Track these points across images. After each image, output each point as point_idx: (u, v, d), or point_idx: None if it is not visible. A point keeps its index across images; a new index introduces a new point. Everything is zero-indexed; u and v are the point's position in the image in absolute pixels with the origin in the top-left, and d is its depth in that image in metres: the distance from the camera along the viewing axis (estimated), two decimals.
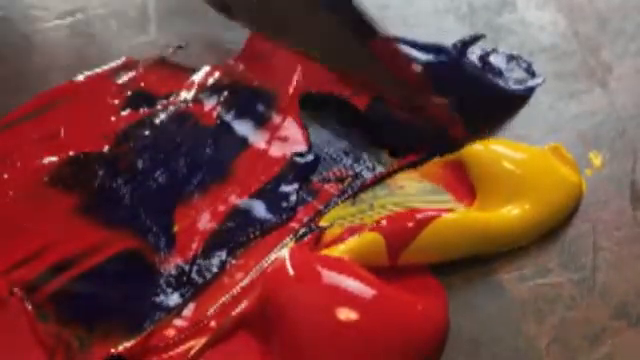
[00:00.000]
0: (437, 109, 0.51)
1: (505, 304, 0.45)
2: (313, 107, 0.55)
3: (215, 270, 0.47)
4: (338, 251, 0.46)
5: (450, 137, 0.52)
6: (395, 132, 0.53)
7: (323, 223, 0.49)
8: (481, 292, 0.45)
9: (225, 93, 0.56)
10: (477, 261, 0.46)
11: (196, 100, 0.56)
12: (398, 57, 0.51)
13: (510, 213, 0.47)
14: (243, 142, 0.54)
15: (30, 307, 0.45)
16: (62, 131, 0.54)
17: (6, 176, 0.51)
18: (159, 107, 0.55)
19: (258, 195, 0.51)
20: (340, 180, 0.51)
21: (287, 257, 0.45)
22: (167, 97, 0.56)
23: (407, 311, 0.43)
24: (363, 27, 0.49)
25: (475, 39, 0.59)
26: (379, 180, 0.51)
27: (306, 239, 0.48)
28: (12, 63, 0.58)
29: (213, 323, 0.44)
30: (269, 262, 0.47)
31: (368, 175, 0.51)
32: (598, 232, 0.48)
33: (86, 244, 0.48)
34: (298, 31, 0.49)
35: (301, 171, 0.52)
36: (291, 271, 0.44)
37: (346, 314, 0.41)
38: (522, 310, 0.44)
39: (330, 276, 0.43)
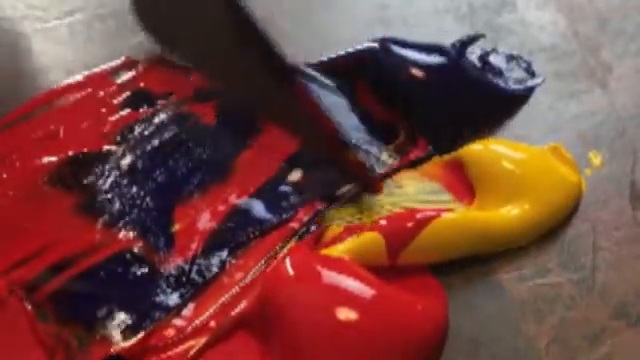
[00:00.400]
0: (353, 165, 0.50)
1: (505, 304, 0.45)
2: None
3: (215, 270, 0.47)
4: (338, 251, 0.46)
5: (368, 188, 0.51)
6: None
7: (323, 223, 0.49)
8: (481, 292, 0.45)
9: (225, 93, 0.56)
10: (477, 261, 0.46)
11: (196, 100, 0.56)
12: (316, 108, 0.49)
13: (510, 213, 0.47)
14: (243, 142, 0.54)
15: (30, 307, 0.45)
16: (61, 131, 0.54)
17: (5, 176, 0.51)
18: (159, 107, 0.55)
19: (258, 195, 0.51)
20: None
21: (286, 257, 0.45)
22: (167, 97, 0.56)
23: (407, 311, 0.43)
24: (283, 71, 0.47)
25: (475, 39, 0.59)
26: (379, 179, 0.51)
27: (306, 239, 0.48)
28: (12, 63, 0.58)
29: (213, 323, 0.44)
30: (269, 262, 0.47)
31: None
32: (598, 232, 0.48)
33: (86, 244, 0.48)
34: (219, 65, 0.47)
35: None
36: (291, 271, 0.44)
37: (346, 314, 0.41)
38: (522, 310, 0.44)
39: (330, 276, 0.43)
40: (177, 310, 0.45)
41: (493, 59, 0.58)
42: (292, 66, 0.47)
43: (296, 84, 0.47)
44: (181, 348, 0.43)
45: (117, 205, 0.50)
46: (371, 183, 0.50)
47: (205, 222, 0.49)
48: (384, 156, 0.53)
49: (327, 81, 0.57)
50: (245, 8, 0.45)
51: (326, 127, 0.48)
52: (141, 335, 0.44)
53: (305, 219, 0.49)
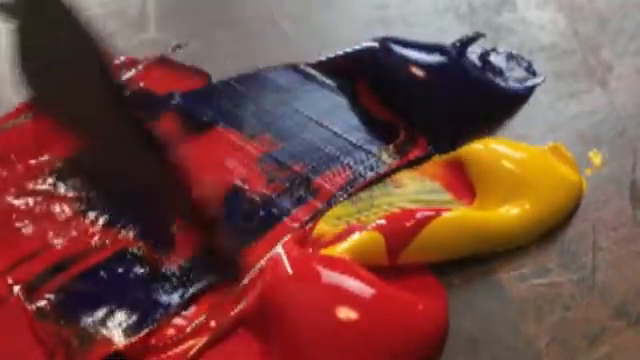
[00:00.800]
0: (224, 253, 0.46)
1: (505, 303, 0.45)
2: None
3: None
4: (338, 250, 0.45)
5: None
6: None
7: (323, 223, 0.49)
8: (480, 291, 0.45)
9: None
10: (476, 260, 0.46)
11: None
12: (194, 185, 0.45)
13: (510, 212, 0.47)
14: (242, 140, 0.54)
15: (30, 307, 0.45)
16: None
17: (5, 174, 0.51)
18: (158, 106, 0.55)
19: (257, 193, 0.51)
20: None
21: (286, 256, 0.45)
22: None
23: (407, 311, 0.43)
24: (154, 143, 0.44)
25: (475, 38, 0.58)
26: (379, 179, 0.51)
27: (297, 232, 0.48)
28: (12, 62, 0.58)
29: (213, 323, 0.44)
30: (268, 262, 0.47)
31: (368, 174, 0.51)
32: (598, 232, 0.48)
33: (86, 244, 0.48)
34: (92, 132, 0.44)
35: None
36: (291, 271, 0.44)
37: (346, 313, 0.41)
38: (521, 310, 0.44)
39: (330, 276, 0.43)
40: (177, 310, 0.45)
41: (493, 58, 0.59)
42: (162, 139, 0.45)
43: (167, 158, 0.44)
44: (181, 348, 0.43)
45: (117, 205, 0.50)
46: (234, 271, 0.46)
47: None
48: (384, 156, 0.53)
49: (327, 81, 0.57)
50: (117, 84, 0.45)
51: (199, 206, 0.45)
52: (142, 334, 0.44)
53: (305, 218, 0.49)
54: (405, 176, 0.51)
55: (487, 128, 0.54)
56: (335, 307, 0.42)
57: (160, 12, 0.63)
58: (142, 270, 0.47)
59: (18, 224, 0.49)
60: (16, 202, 0.50)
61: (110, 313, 0.45)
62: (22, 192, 0.51)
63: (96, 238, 0.48)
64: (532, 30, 0.60)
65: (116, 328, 0.44)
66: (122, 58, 0.58)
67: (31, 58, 0.43)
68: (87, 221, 0.49)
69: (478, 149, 0.51)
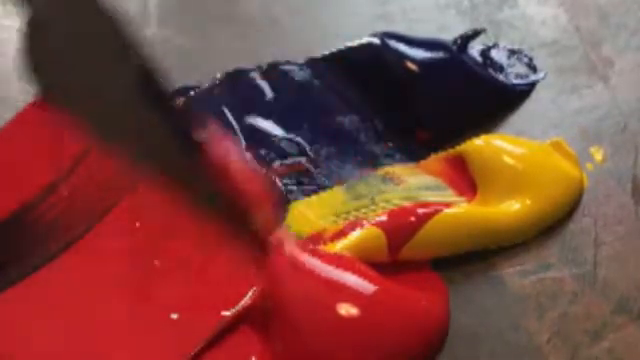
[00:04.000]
0: (257, 236, 0.43)
1: (506, 299, 0.45)
2: None
3: None
4: (339, 246, 0.45)
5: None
6: None
7: (323, 220, 0.48)
8: (482, 287, 0.45)
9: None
10: (477, 256, 0.46)
11: None
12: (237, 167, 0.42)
13: (511, 208, 0.47)
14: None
15: None
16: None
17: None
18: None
19: None
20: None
21: (287, 254, 0.44)
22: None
23: (408, 306, 0.43)
24: (190, 140, 0.41)
25: (476, 34, 0.58)
26: (380, 176, 0.51)
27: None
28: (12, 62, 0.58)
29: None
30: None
31: (368, 170, 0.51)
32: (599, 227, 0.48)
33: None
34: (122, 133, 0.40)
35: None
36: (292, 267, 0.44)
37: (347, 310, 0.41)
38: (523, 305, 0.44)
39: (331, 272, 0.43)
40: None
41: (494, 54, 0.58)
42: (201, 134, 0.41)
43: (204, 156, 0.41)
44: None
45: None
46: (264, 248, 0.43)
47: None
48: (385, 152, 0.53)
49: (326, 78, 0.57)
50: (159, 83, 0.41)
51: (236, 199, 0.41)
52: None
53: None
54: (406, 172, 0.51)
55: (488, 124, 0.54)
56: (336, 303, 0.42)
57: (161, 9, 0.63)
58: None
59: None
60: None
61: None
62: None
63: None
64: (533, 26, 0.60)
65: None
66: None
67: (43, 41, 0.40)
68: None
69: (479, 145, 0.51)
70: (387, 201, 0.49)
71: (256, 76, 0.57)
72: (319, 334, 0.41)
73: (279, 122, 0.54)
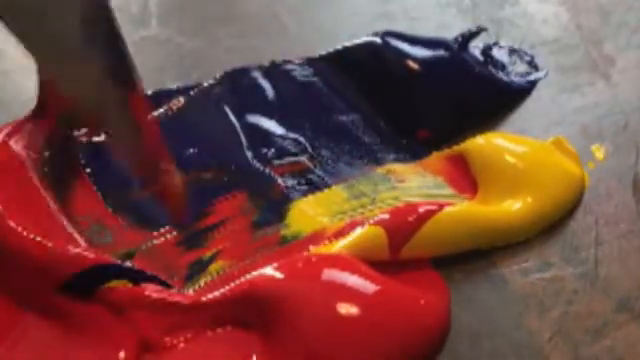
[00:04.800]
0: (171, 189, 0.46)
1: (507, 298, 0.45)
2: None
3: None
4: (340, 245, 0.45)
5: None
6: None
7: (324, 219, 0.48)
8: (483, 286, 0.45)
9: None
10: (479, 255, 0.46)
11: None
12: (152, 125, 0.45)
13: (512, 207, 0.47)
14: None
15: None
16: None
17: None
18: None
19: None
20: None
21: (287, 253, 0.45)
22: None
23: (409, 305, 0.43)
24: (124, 74, 0.43)
25: (477, 32, 0.58)
26: (381, 174, 0.51)
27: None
28: (13, 61, 0.58)
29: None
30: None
31: (369, 169, 0.51)
32: (600, 225, 0.48)
33: None
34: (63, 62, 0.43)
35: None
36: (292, 267, 0.44)
37: (347, 309, 0.41)
38: (524, 304, 0.44)
39: (331, 272, 0.43)
40: None
41: (496, 52, 0.58)
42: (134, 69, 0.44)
43: (137, 87, 0.44)
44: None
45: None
46: (178, 213, 0.47)
47: None
48: (386, 151, 0.53)
49: (327, 76, 0.57)
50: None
51: (152, 146, 0.45)
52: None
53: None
54: (407, 171, 0.51)
55: (489, 122, 0.54)
56: (336, 303, 0.41)
57: (162, 8, 0.63)
58: None
59: None
60: None
61: None
62: None
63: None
64: (534, 24, 0.60)
65: None
66: None
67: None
68: None
69: (480, 143, 0.51)
70: (388, 200, 0.49)
71: (258, 75, 0.57)
72: (319, 334, 0.41)
73: (280, 121, 0.54)
